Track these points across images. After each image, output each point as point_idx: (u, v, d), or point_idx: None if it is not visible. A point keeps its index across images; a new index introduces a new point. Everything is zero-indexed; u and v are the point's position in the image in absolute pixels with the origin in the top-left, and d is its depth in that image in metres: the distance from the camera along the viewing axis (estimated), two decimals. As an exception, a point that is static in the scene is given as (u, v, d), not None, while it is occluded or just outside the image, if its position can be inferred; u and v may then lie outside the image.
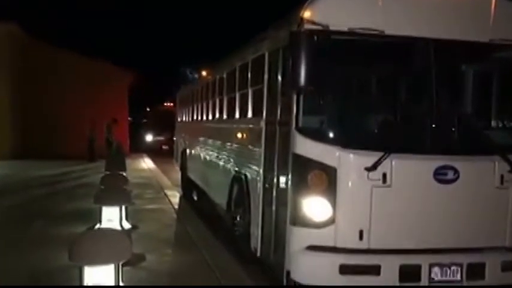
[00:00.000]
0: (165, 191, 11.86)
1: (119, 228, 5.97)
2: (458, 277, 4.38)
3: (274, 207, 5.05)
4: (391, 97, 4.89)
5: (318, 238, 4.32)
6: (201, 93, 10.45)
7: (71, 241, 3.58)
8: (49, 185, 12.63)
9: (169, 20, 50.91)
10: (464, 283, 4.40)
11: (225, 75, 8.06)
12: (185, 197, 11.32)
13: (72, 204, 9.61)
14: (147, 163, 20.27)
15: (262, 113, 5.59)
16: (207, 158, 9.12)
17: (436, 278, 4.34)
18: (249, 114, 6.34)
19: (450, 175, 4.39)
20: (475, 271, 4.42)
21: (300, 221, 4.38)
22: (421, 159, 4.41)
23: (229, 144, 7.35)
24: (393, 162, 4.31)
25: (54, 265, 5.32)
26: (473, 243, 4.52)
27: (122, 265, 3.82)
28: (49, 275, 5.15)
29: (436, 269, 4.34)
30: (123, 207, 6.44)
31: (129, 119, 28.50)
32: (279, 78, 5.10)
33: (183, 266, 5.72)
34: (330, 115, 4.62)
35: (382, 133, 4.67)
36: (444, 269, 4.36)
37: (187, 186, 11.52)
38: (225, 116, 7.95)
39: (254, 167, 5.73)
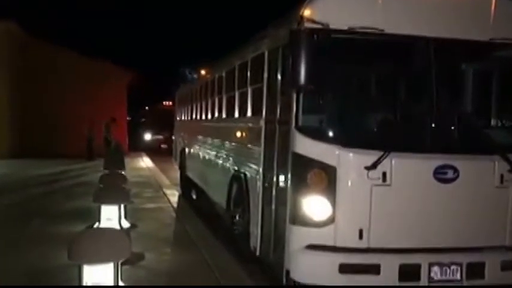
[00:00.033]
0: (164, 190, 11.85)
1: (118, 227, 5.96)
2: (458, 276, 4.38)
3: (273, 206, 5.04)
4: (391, 96, 4.88)
5: (317, 237, 4.31)
6: (200, 92, 10.43)
7: (70, 240, 3.57)
8: (47, 183, 12.61)
9: (168, 20, 50.88)
10: (464, 282, 4.39)
11: (224, 74, 8.05)
12: (184, 196, 11.31)
13: (70, 203, 9.59)
14: (145, 162, 20.26)
15: (261, 111, 5.57)
16: (206, 157, 9.10)
17: (435, 278, 4.33)
18: (249, 113, 6.33)
19: (450, 174, 4.38)
20: (475, 270, 4.42)
21: (300, 220, 4.37)
22: (421, 158, 4.40)
23: (228, 143, 7.34)
24: (393, 161, 4.30)
25: (53, 264, 5.31)
26: (473, 243, 4.51)
27: (121, 264, 3.81)
28: (48, 274, 5.13)
29: (435, 269, 4.33)
30: (122, 206, 6.43)
31: (127, 118, 28.48)
32: (279, 76, 5.09)
33: (182, 265, 5.71)
34: (330, 114, 4.62)
35: (382, 132, 4.66)
36: (444, 268, 4.35)
37: (186, 185, 11.52)
38: (224, 115, 7.93)
39: (253, 166, 5.72)
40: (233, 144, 7.05)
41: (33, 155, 18.29)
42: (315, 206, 4.33)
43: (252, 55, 6.21)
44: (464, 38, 4.51)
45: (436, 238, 4.42)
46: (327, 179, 4.30)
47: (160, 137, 31.05)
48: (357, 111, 4.78)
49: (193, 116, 11.11)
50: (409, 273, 4.29)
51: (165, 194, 11.09)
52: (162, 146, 29.11)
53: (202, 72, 10.43)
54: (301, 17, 4.33)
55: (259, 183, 5.44)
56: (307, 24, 4.26)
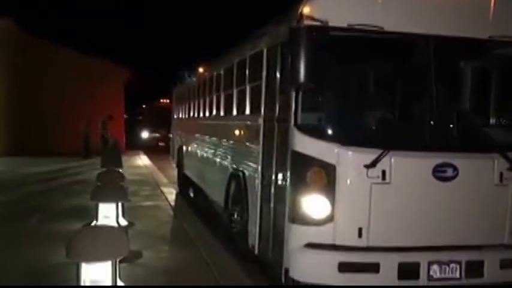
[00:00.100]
0: (162, 188, 11.83)
1: (115, 225, 5.94)
2: (457, 275, 4.37)
3: (272, 205, 5.02)
4: (391, 94, 4.87)
5: (316, 236, 4.30)
6: (198, 90, 10.40)
7: (68, 238, 3.55)
8: (44, 181, 12.57)
9: (167, 17, 50.78)
10: (463, 281, 4.39)
11: (222, 72, 8.02)
12: (181, 194, 11.29)
13: (68, 200, 9.56)
14: (143, 160, 20.23)
15: (260, 109, 5.55)
16: (204, 155, 9.08)
17: (434, 276, 4.33)
18: (247, 111, 6.31)
19: (449, 172, 4.38)
20: (474, 269, 4.41)
21: (299, 219, 4.35)
22: (421, 156, 4.39)
23: (226, 141, 7.32)
24: (392, 160, 4.29)
25: (51, 262, 5.28)
26: (472, 241, 4.51)
27: (119, 262, 3.79)
28: (46, 272, 5.10)
29: (435, 267, 4.33)
30: (120, 204, 6.40)
31: (125, 116, 28.45)
32: (278, 74, 5.07)
33: (180, 263, 5.70)
34: (329, 112, 4.60)
35: (381, 130, 4.66)
36: (443, 266, 4.34)
37: (184, 183, 11.50)
38: (222, 113, 7.91)
39: (252, 164, 5.70)
40: (231, 142, 7.03)
41: (30, 153, 18.24)
42: (314, 204, 4.31)
43: (251, 53, 6.18)
44: (464, 35, 4.50)
45: (435, 236, 4.42)
46: (326, 177, 4.29)
47: (158, 134, 31.02)
48: (356, 109, 4.77)
49: (191, 114, 11.08)
50: (408, 271, 4.29)
51: (162, 192, 11.07)
52: (160, 144, 29.10)
53: (200, 70, 10.39)
54: (301, 14, 4.31)
55: (258, 182, 5.42)
56: (307, 22, 4.24)
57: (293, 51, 4.20)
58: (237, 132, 6.78)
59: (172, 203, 9.79)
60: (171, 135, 15.57)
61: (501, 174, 4.50)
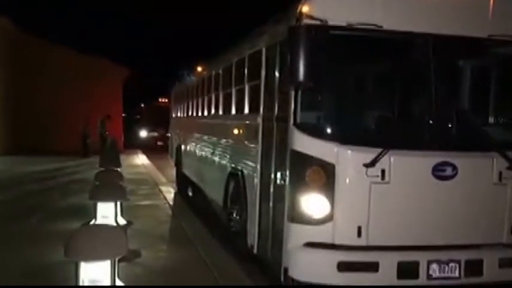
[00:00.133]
0: (160, 187, 11.82)
1: (114, 224, 5.93)
2: (457, 274, 4.37)
3: (271, 204, 5.01)
4: (390, 93, 4.86)
5: (316, 235, 4.29)
6: (196, 89, 10.39)
7: (67, 237, 3.53)
8: (42, 180, 12.54)
9: (166, 18, 50.70)
10: (462, 280, 4.39)
11: (221, 71, 8.01)
12: (180, 193, 11.28)
13: (66, 200, 9.55)
14: (141, 159, 20.21)
15: (259, 108, 5.54)
16: (203, 154, 9.07)
17: (434, 275, 4.33)
18: (246, 110, 6.30)
19: (449, 171, 4.37)
20: (473, 268, 4.41)
21: (298, 218, 4.35)
22: (420, 155, 4.39)
23: (225, 140, 7.31)
24: (392, 159, 4.28)
25: (49, 261, 5.27)
26: (471, 240, 4.51)
27: (118, 261, 3.78)
28: (44, 271, 5.09)
29: (434, 266, 4.32)
30: (118, 203, 6.39)
31: (123, 115, 28.41)
32: (277, 73, 5.06)
33: (178, 262, 5.69)
34: (329, 111, 4.60)
35: (380, 129, 4.65)
36: (442, 265, 4.34)
37: (182, 182, 11.48)
38: (221, 112, 7.90)
39: (251, 163, 5.69)
40: (230, 141, 7.02)
41: (27, 152, 18.22)
42: (313, 203, 4.31)
43: (250, 52, 6.17)
44: (463, 34, 4.50)
45: (434, 235, 4.42)
46: (325, 176, 4.28)
47: (156, 134, 30.98)
48: (355, 108, 4.77)
49: (190, 113, 11.07)
50: (407, 270, 4.28)
51: (161, 191, 11.06)
52: (158, 143, 29.05)
53: (199, 69, 10.37)
54: (300, 13, 4.31)
55: (257, 181, 5.41)
56: (306, 21, 4.23)
57: (292, 50, 4.19)
58: (236, 131, 6.77)
59: (171, 202, 9.78)
60: (169, 135, 15.55)
61: (500, 173, 4.50)
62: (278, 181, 4.88)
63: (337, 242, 4.29)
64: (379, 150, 4.24)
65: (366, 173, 4.25)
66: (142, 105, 37.18)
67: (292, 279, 4.36)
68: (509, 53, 4.69)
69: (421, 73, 4.52)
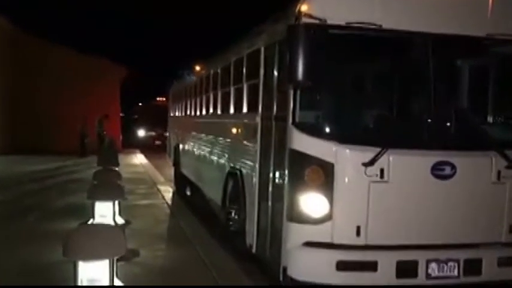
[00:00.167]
0: (158, 186, 11.81)
1: (112, 223, 5.91)
2: (455, 273, 4.37)
3: (270, 203, 5.01)
4: (389, 92, 4.86)
5: (315, 234, 4.29)
6: (194, 88, 10.37)
7: (65, 236, 3.52)
8: (40, 180, 12.52)
9: (164, 17, 50.64)
10: (461, 279, 4.39)
11: (219, 70, 8.00)
12: (178, 193, 11.26)
13: (64, 199, 9.53)
14: (139, 159, 20.18)
15: (257, 108, 5.54)
16: (201, 153, 9.06)
17: (433, 274, 4.33)
18: (244, 109, 6.29)
19: (447, 171, 4.37)
20: (472, 267, 4.42)
21: (297, 217, 4.34)
22: (419, 154, 4.39)
23: (224, 139, 7.30)
24: (391, 158, 4.28)
25: (47, 261, 5.26)
26: (470, 239, 4.51)
27: (116, 260, 3.77)
28: (42, 270, 5.08)
29: (433, 265, 4.33)
30: (117, 203, 6.38)
31: (121, 114, 28.35)
32: (275, 72, 5.06)
33: (177, 262, 5.68)
34: (327, 110, 4.59)
35: (379, 128, 4.65)
36: (441, 265, 4.34)
37: (181, 181, 11.46)
38: (219, 111, 7.89)
39: (250, 163, 5.68)
40: (229, 140, 7.01)
41: (25, 152, 18.18)
42: (312, 203, 4.30)
43: (248, 51, 6.16)
44: (462, 33, 4.50)
45: (433, 235, 4.42)
46: (324, 175, 4.28)
47: (154, 133, 30.92)
48: (354, 107, 4.76)
49: (188, 112, 11.05)
50: (406, 269, 4.28)
51: (159, 191, 11.05)
52: (156, 142, 28.98)
53: (197, 68, 10.35)
54: (299, 12, 4.30)
55: (256, 180, 5.40)
56: (305, 20, 4.23)
57: (291, 49, 4.18)
58: (234, 130, 6.76)
59: (169, 202, 9.77)
60: (167, 134, 15.53)
61: (499, 172, 4.50)
62: (277, 180, 4.87)
63: (336, 241, 4.28)
64: (378, 149, 4.24)
65: (365, 172, 4.25)
66: (140, 104, 37.08)
67: (291, 279, 4.35)
68: (507, 52, 4.69)
69: (420, 72, 4.52)
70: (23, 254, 5.65)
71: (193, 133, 10.08)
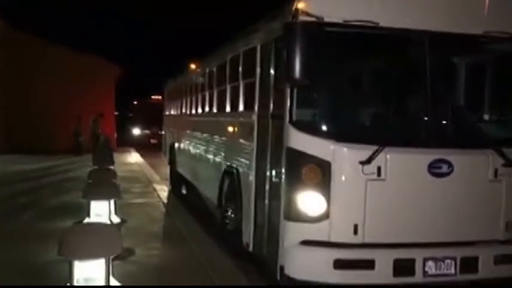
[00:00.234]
0: (154, 185, 11.78)
1: (108, 222, 5.89)
2: (452, 271, 4.37)
3: (267, 202, 4.99)
4: (386, 90, 4.84)
5: (312, 233, 4.28)
6: (190, 87, 10.34)
7: (61, 235, 3.50)
8: (35, 179, 12.46)
9: (160, 15, 50.49)
10: (458, 277, 4.40)
11: (215, 69, 7.97)
12: (174, 192, 11.24)
13: (59, 198, 9.49)
14: (135, 157, 20.12)
15: (254, 106, 5.52)
16: (197, 152, 9.03)
17: (430, 272, 4.33)
18: (241, 108, 6.27)
19: (444, 168, 4.37)
20: (469, 265, 4.42)
21: (294, 216, 4.33)
22: (416, 152, 4.39)
23: (220, 138, 7.28)
24: (388, 156, 4.27)
25: (43, 260, 5.23)
26: (466, 237, 4.51)
27: (112, 259, 3.74)
28: (38, 269, 5.04)
29: (430, 263, 4.32)
30: (112, 202, 6.36)
31: (115, 112, 28.25)
32: (272, 70, 5.04)
33: (173, 260, 5.66)
34: (324, 108, 4.57)
35: (376, 126, 4.64)
36: (438, 263, 4.34)
37: (176, 180, 11.44)
38: (215, 110, 7.86)
39: (246, 161, 5.66)
40: (225, 139, 6.98)
41: (19, 151, 18.07)
42: (309, 201, 4.29)
43: (244, 49, 6.14)
44: (459, 31, 4.50)
45: (430, 233, 4.42)
46: (321, 174, 4.27)
47: (150, 132, 30.84)
48: (351, 105, 4.75)
49: (184, 111, 11.02)
50: (403, 268, 4.28)
51: (155, 190, 11.02)
52: (152, 141, 28.90)
53: (193, 66, 10.32)
54: (296, 9, 4.27)
55: (252, 179, 5.39)
56: (302, 17, 4.21)
57: (288, 47, 4.17)
58: (230, 129, 6.74)
59: (165, 200, 9.74)
60: (163, 132, 15.48)
61: (495, 170, 4.50)
62: (274, 179, 4.85)
63: (334, 239, 4.27)
64: (375, 147, 4.23)
65: (362, 171, 4.24)
66: (135, 102, 36.95)
67: (289, 277, 4.34)
68: (504, 50, 4.69)
69: (417, 70, 4.52)
70: (18, 254, 5.61)
71: (189, 132, 10.05)
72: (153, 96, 33.33)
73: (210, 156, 7.81)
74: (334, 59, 4.46)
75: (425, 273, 4.32)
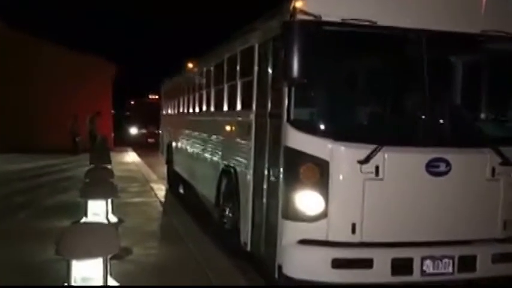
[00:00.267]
0: (151, 184, 11.76)
1: (105, 222, 5.88)
2: (450, 269, 4.38)
3: (265, 201, 4.99)
4: (384, 89, 4.84)
5: (310, 232, 4.27)
6: (187, 86, 10.32)
7: (59, 235, 3.49)
8: (32, 178, 12.43)
9: (156, 14, 50.43)
10: (456, 276, 4.40)
11: (212, 68, 7.96)
12: (171, 191, 11.22)
13: (56, 197, 9.47)
14: (132, 157, 20.09)
15: (252, 105, 5.51)
16: (195, 151, 9.02)
17: (428, 271, 4.33)
18: (238, 107, 6.26)
19: (442, 167, 4.38)
20: (466, 263, 4.42)
21: (292, 215, 4.32)
22: (414, 151, 4.39)
23: (217, 137, 7.27)
24: (386, 155, 4.27)
25: (40, 259, 5.21)
26: (464, 236, 4.52)
27: (110, 259, 3.74)
28: (35, 269, 5.02)
29: (428, 262, 4.33)
30: (109, 201, 6.35)
31: (112, 111, 28.22)
32: (270, 69, 5.03)
33: (170, 260, 5.64)
34: (322, 107, 4.57)
35: (374, 125, 4.65)
36: (436, 261, 4.35)
37: (174, 179, 11.42)
38: (212, 109, 7.85)
39: (244, 161, 5.66)
40: (222, 138, 6.97)
41: (16, 150, 18.02)
42: (307, 200, 4.28)
43: (242, 48, 6.13)
44: (456, 30, 4.50)
45: (428, 232, 4.42)
46: (319, 173, 4.26)
47: (147, 131, 30.79)
48: (349, 104, 4.74)
49: (181, 110, 11.00)
50: (401, 266, 4.28)
51: (152, 189, 11.00)
52: (149, 140, 28.85)
53: (190, 65, 10.30)
54: (294, 8, 4.27)
55: (250, 178, 5.38)
56: (300, 16, 4.20)
57: (286, 45, 4.16)
58: (228, 128, 6.73)
59: (162, 200, 9.73)
60: (160, 132, 15.46)
61: (493, 169, 4.51)
62: (272, 178, 4.85)
63: (331, 238, 4.27)
64: (373, 146, 4.23)
65: (360, 170, 4.24)
66: (132, 101, 36.87)
67: (287, 277, 4.33)
68: (502, 49, 4.70)
69: (415, 69, 4.51)
70: (15, 253, 5.59)
71: (187, 131, 10.03)
72: (150, 95, 33.27)
73: (208, 156, 7.80)
74: (332, 58, 4.45)
75: (423, 272, 4.32)
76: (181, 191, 11.03)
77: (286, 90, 4.41)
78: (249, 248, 5.37)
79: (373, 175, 4.26)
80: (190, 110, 9.75)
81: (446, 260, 4.37)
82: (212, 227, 7.11)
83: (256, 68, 5.47)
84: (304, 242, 4.29)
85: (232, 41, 6.71)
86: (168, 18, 46.44)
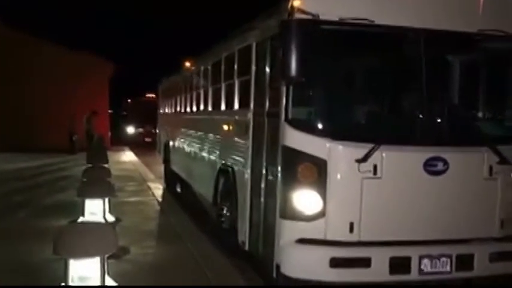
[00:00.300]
0: (148, 183, 11.75)
1: (102, 221, 5.87)
2: (448, 268, 4.38)
3: (263, 200, 4.98)
4: (382, 88, 4.84)
5: (308, 231, 4.27)
6: (185, 85, 10.31)
7: (56, 234, 3.48)
8: (29, 177, 12.40)
9: (154, 13, 50.35)
10: (454, 274, 4.40)
11: (210, 66, 7.95)
12: (169, 190, 11.21)
13: (53, 196, 9.45)
14: (129, 156, 20.08)
15: (249, 104, 5.51)
16: (192, 150, 9.01)
17: (425, 270, 4.33)
18: (236, 106, 6.25)
19: (440, 166, 4.38)
20: (464, 262, 4.43)
21: (290, 214, 4.32)
22: (412, 150, 4.39)
23: (215, 136, 7.26)
24: (384, 154, 4.27)
25: (38, 258, 5.20)
26: (462, 235, 4.52)
27: (107, 258, 3.73)
28: (33, 268, 5.01)
29: (425, 261, 4.33)
30: (107, 200, 6.33)
31: (109, 111, 28.17)
32: (268, 68, 5.03)
33: (168, 259, 5.63)
34: (320, 106, 4.57)
35: (372, 124, 4.65)
36: (434, 260, 4.35)
37: (171, 179, 11.42)
38: (210, 108, 7.84)
39: (242, 160, 5.65)
40: (220, 137, 6.96)
41: (13, 149, 17.98)
42: (305, 199, 4.28)
43: (240, 47, 6.12)
44: (454, 29, 4.51)
45: (426, 230, 4.42)
46: (317, 172, 4.26)
47: (144, 130, 30.76)
48: (347, 103, 4.75)
49: (178, 109, 10.99)
50: (399, 265, 4.28)
51: (149, 188, 10.99)
52: (146, 139, 28.83)
53: (188, 64, 10.29)
54: (292, 7, 4.26)
55: (248, 177, 5.38)
56: (298, 15, 4.20)
57: (284, 44, 4.16)
58: (225, 127, 6.72)
59: (160, 199, 9.72)
60: (157, 131, 15.45)
61: (491, 167, 4.52)
62: (269, 177, 4.84)
63: (330, 238, 4.27)
64: (371, 145, 4.23)
65: (358, 169, 4.24)
66: (129, 100, 36.81)
67: (285, 276, 4.33)
68: (499, 48, 4.71)
69: (413, 68, 4.52)
70: (13, 252, 5.57)
71: (184, 130, 10.02)
72: (147, 94, 33.21)
73: (205, 155, 7.79)
74: (330, 57, 4.45)
75: (421, 271, 4.32)
76: (179, 190, 11.03)
77: (284, 89, 4.40)
78: (246, 247, 5.37)
79: (371, 174, 4.26)
80: (188, 109, 9.74)
81: (444, 258, 4.37)
82: (209, 226, 7.11)
83: (254, 67, 5.46)
84: (302, 241, 4.29)
85: (230, 40, 6.70)
86: (166, 18, 46.41)
